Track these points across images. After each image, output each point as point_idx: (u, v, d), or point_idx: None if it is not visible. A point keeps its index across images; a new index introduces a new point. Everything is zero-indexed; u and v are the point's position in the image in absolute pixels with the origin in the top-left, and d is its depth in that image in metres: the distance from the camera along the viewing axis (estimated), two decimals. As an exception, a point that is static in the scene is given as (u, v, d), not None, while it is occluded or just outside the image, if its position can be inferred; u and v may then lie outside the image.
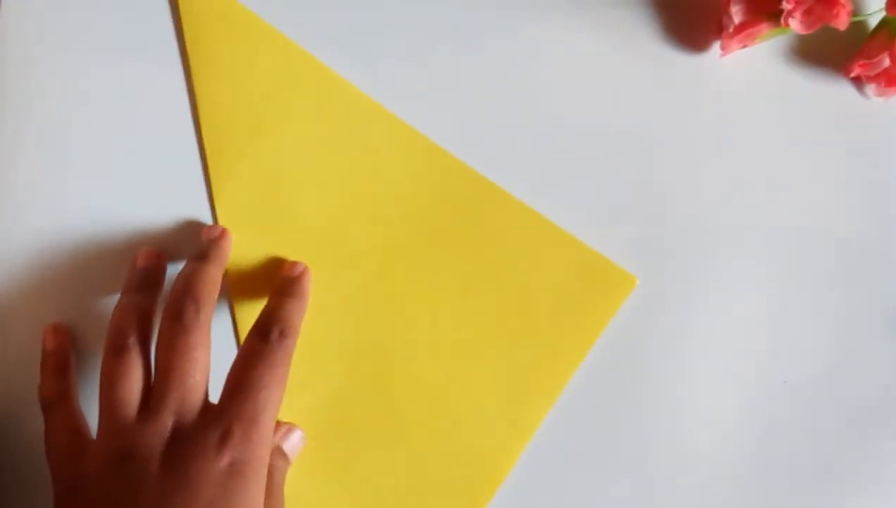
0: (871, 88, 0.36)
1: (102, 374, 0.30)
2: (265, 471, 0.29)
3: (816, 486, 0.36)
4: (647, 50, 0.36)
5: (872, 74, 0.35)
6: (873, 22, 0.35)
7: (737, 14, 0.33)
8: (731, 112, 0.36)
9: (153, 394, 0.29)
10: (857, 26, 0.36)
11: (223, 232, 0.34)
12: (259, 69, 0.34)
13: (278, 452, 0.33)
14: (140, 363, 0.29)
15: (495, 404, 0.35)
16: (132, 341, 0.30)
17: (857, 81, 0.36)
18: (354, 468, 0.35)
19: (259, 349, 0.29)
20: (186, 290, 0.30)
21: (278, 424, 0.34)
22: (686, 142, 0.36)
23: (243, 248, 0.34)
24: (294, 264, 0.34)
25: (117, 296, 0.32)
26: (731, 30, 0.34)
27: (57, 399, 0.32)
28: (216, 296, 0.31)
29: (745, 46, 0.35)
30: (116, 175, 0.34)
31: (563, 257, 0.35)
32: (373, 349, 0.35)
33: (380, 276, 0.35)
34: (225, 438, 0.28)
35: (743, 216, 0.36)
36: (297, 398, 0.34)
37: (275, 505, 0.31)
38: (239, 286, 0.34)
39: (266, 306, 0.32)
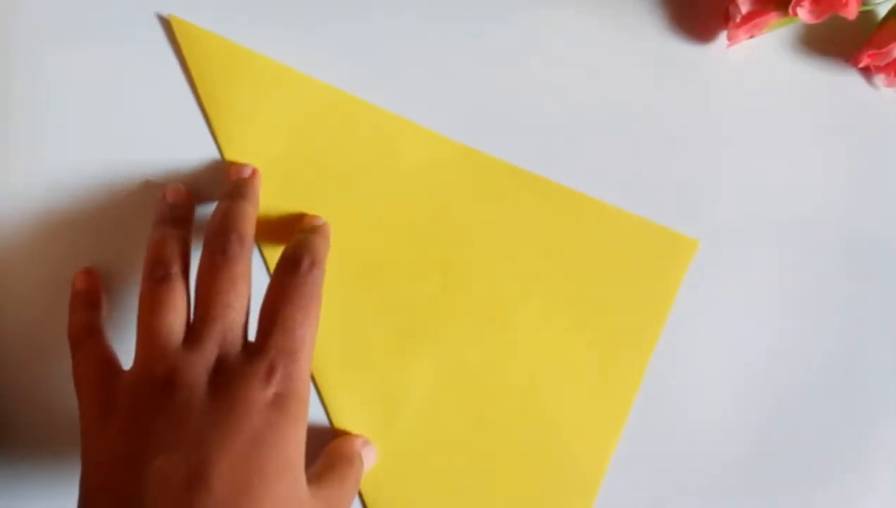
0: (880, 79, 0.36)
1: (142, 303, 0.29)
2: (307, 407, 0.29)
3: (820, 480, 0.36)
4: (653, 40, 0.35)
5: (882, 64, 0.35)
6: (882, 11, 0.35)
7: (744, 3, 0.33)
8: (738, 103, 0.36)
9: (196, 324, 0.29)
10: (866, 16, 0.35)
11: (254, 172, 0.33)
12: (276, 108, 0.34)
13: (359, 457, 0.33)
14: (183, 293, 0.29)
15: (584, 395, 0.35)
16: (175, 270, 0.29)
17: (866, 72, 0.36)
18: (453, 484, 0.34)
19: (291, 282, 0.29)
20: (227, 224, 0.30)
21: (356, 435, 0.34)
22: (692, 133, 0.35)
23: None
24: (315, 216, 0.34)
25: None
26: (738, 19, 0.33)
27: (86, 334, 0.31)
28: (253, 232, 0.31)
29: (752, 36, 0.34)
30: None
31: (621, 232, 0.35)
32: (452, 363, 0.34)
33: (445, 289, 0.34)
34: (269, 373, 0.28)
35: (749, 208, 0.36)
36: (387, 419, 0.34)
37: (346, 499, 0.31)
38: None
39: (291, 241, 0.31)
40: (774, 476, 0.36)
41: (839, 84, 0.36)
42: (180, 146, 0.34)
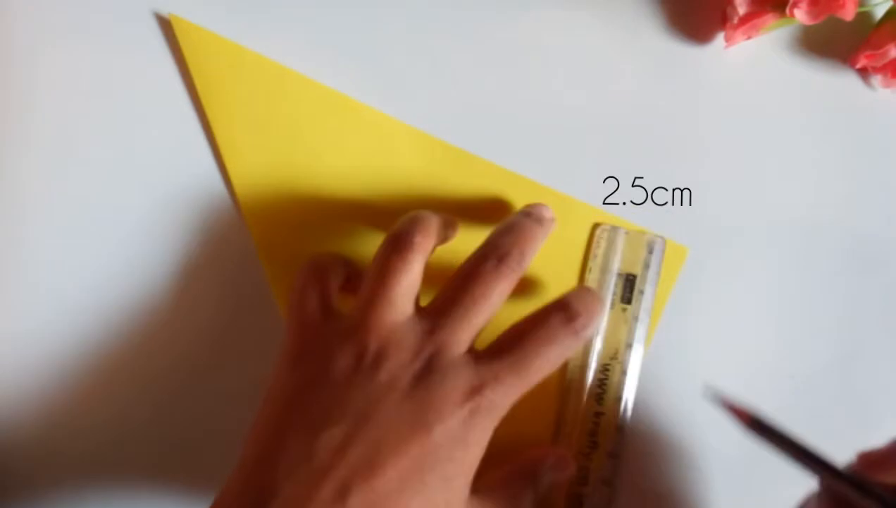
0: (876, 80, 0.36)
1: (378, 266, 0.28)
2: (496, 423, 0.27)
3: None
4: (650, 41, 0.35)
5: (878, 65, 0.35)
6: (879, 12, 0.35)
7: (741, 5, 0.33)
8: (735, 104, 0.36)
9: (430, 311, 0.28)
10: (863, 17, 0.35)
11: (553, 216, 0.32)
12: (274, 108, 0.34)
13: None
14: (420, 268, 0.28)
15: None
16: (415, 245, 0.28)
17: (863, 73, 0.36)
18: None
19: (546, 320, 0.28)
20: (515, 239, 0.29)
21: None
22: (689, 134, 0.36)
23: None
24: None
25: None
26: (735, 21, 0.33)
27: (323, 268, 0.30)
28: (530, 260, 0.29)
29: (749, 38, 0.34)
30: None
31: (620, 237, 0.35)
32: None
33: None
34: (479, 388, 0.26)
35: (747, 209, 0.36)
36: None
37: None
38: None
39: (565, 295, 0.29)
40: (767, 479, 0.36)
41: (836, 85, 0.36)
42: (177, 147, 0.34)
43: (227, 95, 0.34)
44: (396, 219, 0.31)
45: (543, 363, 0.27)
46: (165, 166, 0.34)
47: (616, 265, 0.35)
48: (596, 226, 0.35)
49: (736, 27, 0.34)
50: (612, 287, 0.34)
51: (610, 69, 0.35)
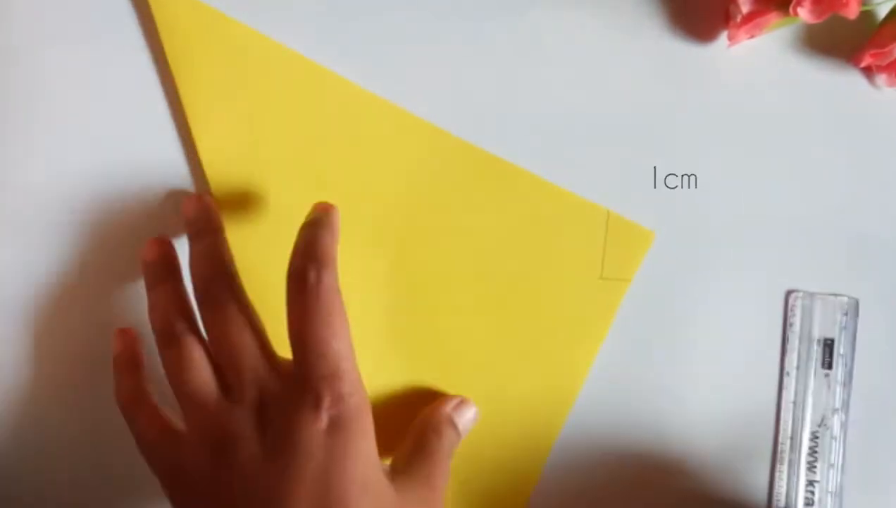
0: (881, 79, 0.36)
1: (168, 371, 0.29)
2: (368, 415, 0.28)
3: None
4: (653, 39, 0.35)
5: (883, 63, 0.34)
6: (883, 11, 0.35)
7: (745, 3, 0.33)
8: (738, 103, 0.36)
9: (227, 374, 0.29)
10: (867, 15, 0.35)
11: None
12: (246, 73, 0.33)
13: (449, 423, 0.32)
14: (199, 347, 0.29)
15: (534, 380, 0.35)
16: (181, 328, 0.29)
17: (868, 72, 0.36)
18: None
19: (305, 300, 0.28)
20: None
21: (451, 397, 0.34)
22: (692, 133, 0.35)
23: (250, 256, 0.33)
24: (323, 203, 0.32)
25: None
26: (738, 19, 0.33)
27: (138, 399, 0.31)
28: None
29: (752, 36, 0.34)
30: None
31: (579, 220, 0.35)
32: (400, 339, 0.34)
33: (398, 263, 0.34)
34: (317, 401, 0.27)
35: (750, 208, 0.36)
36: None
37: (437, 474, 0.30)
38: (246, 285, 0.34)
39: (295, 245, 0.29)
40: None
41: (840, 84, 0.36)
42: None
43: (196, 57, 0.33)
44: (361, 189, 0.32)
45: (330, 339, 0.28)
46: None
47: (815, 332, 0.35)
48: (789, 293, 0.35)
49: (739, 26, 0.34)
50: (813, 354, 0.35)
51: (613, 68, 0.35)
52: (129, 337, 0.33)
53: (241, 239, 0.33)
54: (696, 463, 0.35)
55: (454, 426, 0.33)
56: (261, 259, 0.33)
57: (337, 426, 0.27)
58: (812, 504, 0.35)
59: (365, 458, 0.28)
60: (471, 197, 0.35)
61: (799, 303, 0.35)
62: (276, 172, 0.34)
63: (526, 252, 0.35)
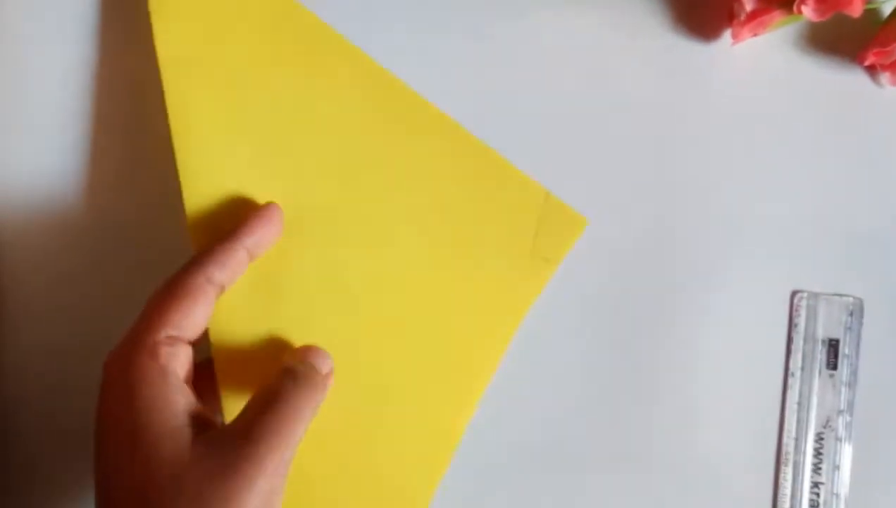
0: (885, 77, 0.36)
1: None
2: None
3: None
4: (656, 38, 0.35)
5: (887, 62, 0.34)
6: (887, 9, 0.35)
7: (748, 1, 0.33)
8: (742, 101, 0.35)
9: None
10: (871, 14, 0.35)
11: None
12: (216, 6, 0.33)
13: (290, 371, 0.29)
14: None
15: (452, 337, 0.34)
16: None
17: (871, 70, 0.36)
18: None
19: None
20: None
21: (291, 353, 0.32)
22: (696, 131, 0.35)
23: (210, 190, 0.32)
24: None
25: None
26: (742, 18, 0.33)
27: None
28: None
29: (756, 35, 0.34)
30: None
31: (517, 194, 0.34)
32: (330, 271, 0.33)
33: (338, 202, 0.34)
34: None
35: (754, 206, 0.35)
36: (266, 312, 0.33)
37: (271, 432, 0.26)
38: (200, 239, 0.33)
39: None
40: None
41: (844, 82, 0.36)
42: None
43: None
44: (312, 131, 0.33)
45: None
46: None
47: (819, 332, 0.35)
48: (794, 294, 0.35)
49: (743, 24, 0.33)
50: (817, 355, 0.35)
51: (616, 66, 0.35)
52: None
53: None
54: (699, 465, 0.35)
55: (304, 375, 0.29)
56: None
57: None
58: (817, 507, 0.34)
59: (162, 403, 0.26)
60: (413, 153, 0.34)
61: (804, 303, 0.35)
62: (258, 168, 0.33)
63: (460, 216, 0.34)
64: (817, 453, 0.35)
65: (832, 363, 0.35)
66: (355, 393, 0.33)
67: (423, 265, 0.34)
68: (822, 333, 0.35)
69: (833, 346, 0.35)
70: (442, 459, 0.34)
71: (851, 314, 0.35)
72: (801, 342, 0.35)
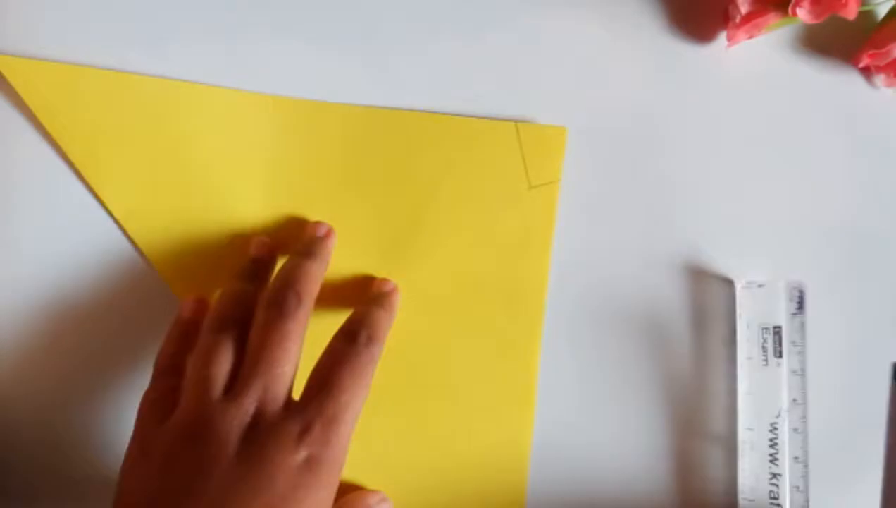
0: (879, 79, 0.36)
1: (197, 351, 0.30)
2: (339, 474, 0.28)
3: (821, 478, 0.36)
4: (652, 40, 0.35)
5: (881, 64, 0.35)
6: (882, 11, 0.35)
7: (743, 4, 0.33)
8: (737, 103, 0.36)
9: (240, 378, 0.29)
10: (866, 16, 0.35)
11: (329, 231, 0.34)
12: (120, 113, 0.33)
13: None
14: (233, 346, 0.29)
15: (495, 317, 0.35)
16: (232, 323, 0.30)
17: (866, 72, 0.36)
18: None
19: (346, 351, 0.29)
20: (289, 282, 0.30)
21: (372, 492, 0.35)
22: (692, 133, 0.35)
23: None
24: (385, 280, 0.34)
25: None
26: (737, 20, 0.33)
27: (169, 370, 0.31)
28: (316, 293, 0.31)
29: (751, 37, 0.34)
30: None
31: (489, 140, 0.34)
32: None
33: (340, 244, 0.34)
34: (304, 433, 0.28)
35: (749, 208, 0.36)
36: None
37: None
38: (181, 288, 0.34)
39: (355, 312, 0.32)
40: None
41: (839, 84, 0.36)
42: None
43: (69, 114, 0.33)
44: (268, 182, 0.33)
45: (349, 390, 0.29)
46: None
47: (762, 320, 0.35)
48: (734, 284, 0.35)
49: (738, 26, 0.34)
50: (761, 343, 0.35)
51: (611, 68, 0.35)
52: (200, 307, 0.33)
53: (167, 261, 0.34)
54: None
55: None
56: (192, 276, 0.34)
57: (310, 465, 0.27)
58: (777, 498, 0.34)
59: (322, 497, 0.28)
60: (380, 157, 0.34)
61: (747, 293, 0.35)
62: (185, 195, 0.34)
63: (452, 190, 0.34)
64: (773, 443, 0.34)
65: (778, 352, 0.34)
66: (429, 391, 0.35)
67: (448, 254, 0.35)
68: (765, 321, 0.35)
69: (777, 333, 0.34)
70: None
71: (793, 300, 0.34)
72: (745, 331, 0.35)
